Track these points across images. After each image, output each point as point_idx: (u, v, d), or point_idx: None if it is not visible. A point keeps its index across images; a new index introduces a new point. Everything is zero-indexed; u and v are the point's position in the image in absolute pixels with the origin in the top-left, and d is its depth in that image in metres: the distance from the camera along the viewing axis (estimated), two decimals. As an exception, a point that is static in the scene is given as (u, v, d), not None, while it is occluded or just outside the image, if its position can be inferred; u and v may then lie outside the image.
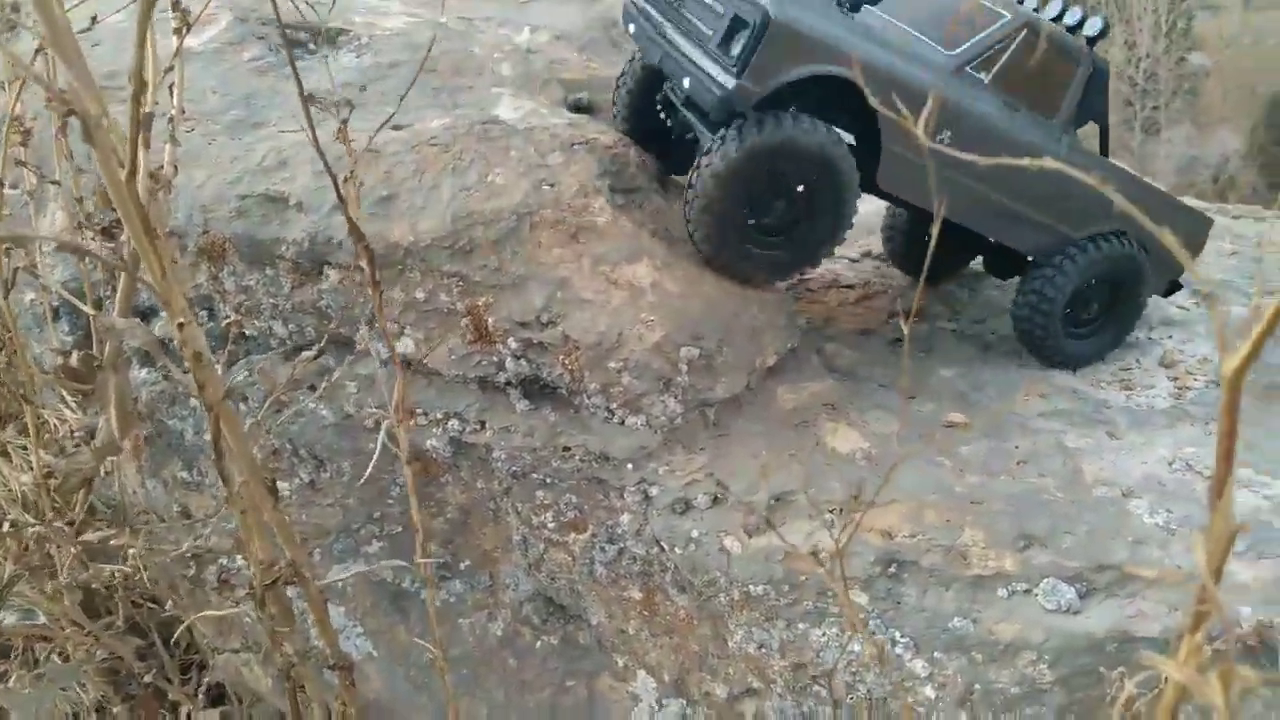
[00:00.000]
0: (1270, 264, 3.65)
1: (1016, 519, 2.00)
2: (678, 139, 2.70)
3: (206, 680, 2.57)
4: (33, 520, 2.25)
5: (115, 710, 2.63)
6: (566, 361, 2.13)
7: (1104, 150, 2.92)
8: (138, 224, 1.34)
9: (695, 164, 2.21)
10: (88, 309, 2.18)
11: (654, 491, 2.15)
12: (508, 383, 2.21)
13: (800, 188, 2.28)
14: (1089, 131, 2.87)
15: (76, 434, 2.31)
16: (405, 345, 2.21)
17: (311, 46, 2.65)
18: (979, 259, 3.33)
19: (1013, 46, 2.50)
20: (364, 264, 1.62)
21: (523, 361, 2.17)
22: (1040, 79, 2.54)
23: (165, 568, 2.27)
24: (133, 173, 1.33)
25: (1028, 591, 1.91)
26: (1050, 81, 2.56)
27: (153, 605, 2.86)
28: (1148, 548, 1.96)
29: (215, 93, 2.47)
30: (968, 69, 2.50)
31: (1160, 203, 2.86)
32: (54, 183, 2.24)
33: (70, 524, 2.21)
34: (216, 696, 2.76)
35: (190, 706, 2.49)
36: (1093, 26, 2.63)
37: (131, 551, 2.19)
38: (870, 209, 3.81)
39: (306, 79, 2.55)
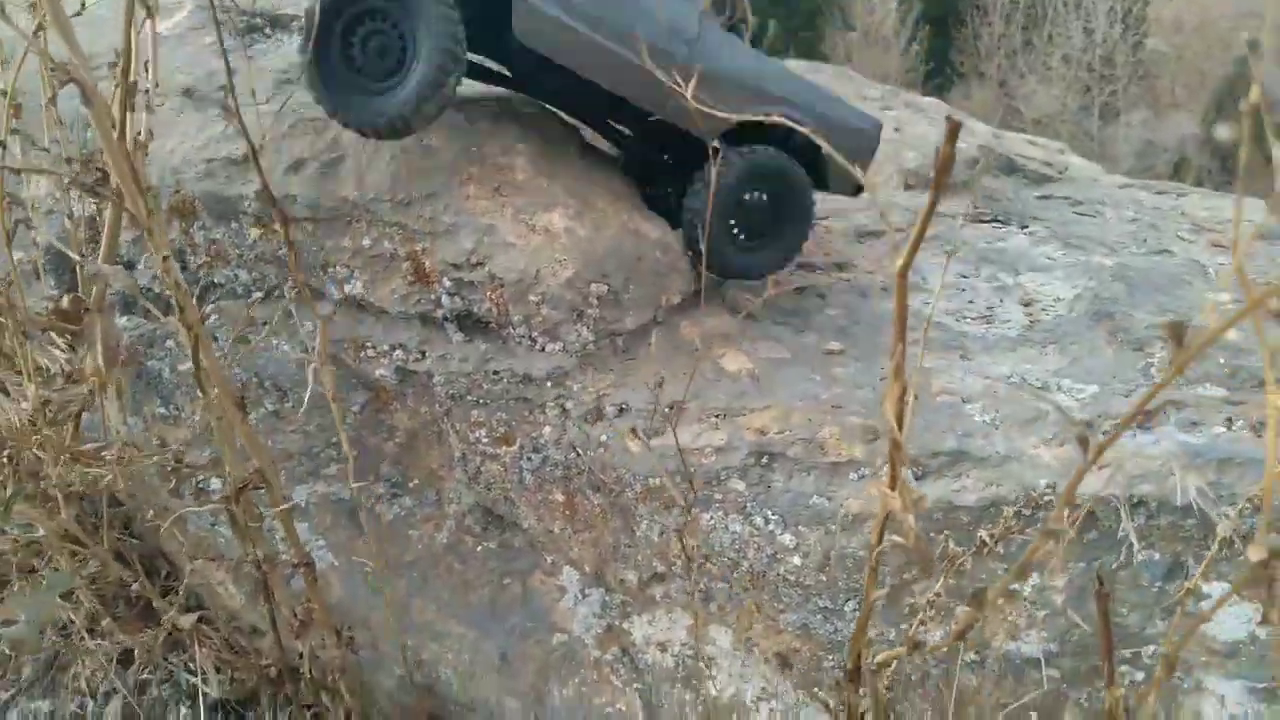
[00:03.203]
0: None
1: (868, 419, 2.40)
2: None
3: (182, 589, 2.90)
4: (27, 441, 2.57)
5: (104, 624, 2.96)
6: (493, 296, 2.50)
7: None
8: (126, 171, 1.69)
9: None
10: (75, 256, 2.52)
11: (570, 405, 2.53)
12: (444, 317, 2.57)
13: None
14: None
15: (65, 371, 2.64)
16: (354, 287, 2.57)
17: (267, 31, 3.00)
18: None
19: None
20: (278, 226, 1.97)
21: (456, 298, 2.54)
22: None
23: (143, 479, 2.60)
24: (122, 131, 1.68)
25: (873, 474, 2.31)
26: None
27: (135, 539, 3.20)
28: (973, 439, 2.37)
29: (181, 72, 2.81)
30: None
31: (827, 104, 2.92)
32: (43, 149, 2.57)
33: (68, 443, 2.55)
34: (194, 608, 3.10)
35: (170, 612, 2.83)
36: None
37: (113, 462, 2.51)
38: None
39: (263, 59, 2.92)
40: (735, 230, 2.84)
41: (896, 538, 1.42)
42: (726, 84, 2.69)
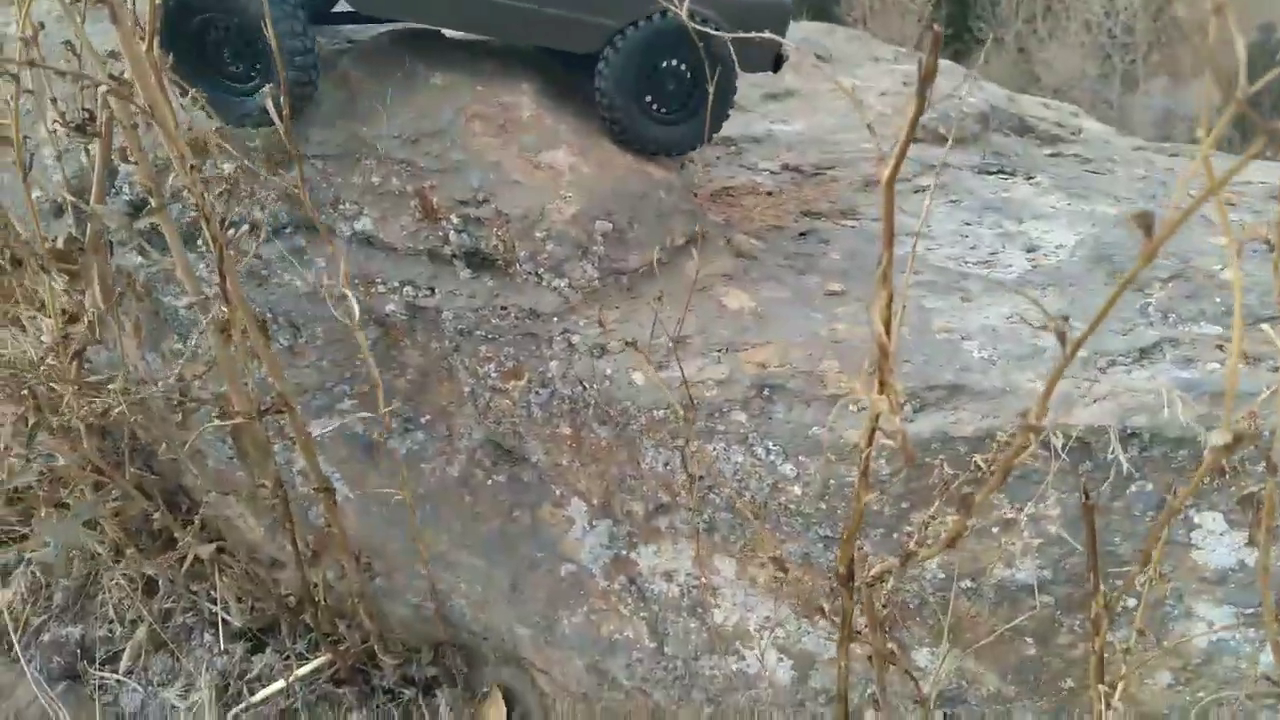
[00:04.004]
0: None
1: (867, 353, 2.45)
2: None
3: (199, 520, 2.99)
4: (40, 373, 2.64)
5: (129, 553, 3.07)
6: (499, 233, 2.56)
7: None
8: (153, 83, 1.75)
9: None
10: (70, 198, 2.59)
11: (576, 340, 2.59)
12: (452, 254, 2.63)
13: None
14: None
15: (66, 310, 2.71)
16: (364, 224, 2.63)
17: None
18: None
19: None
20: (296, 167, 2.02)
21: (464, 234, 2.59)
22: None
23: (156, 413, 2.68)
24: (150, 45, 1.73)
25: (853, 403, 2.37)
26: None
27: (156, 474, 3.30)
28: (971, 373, 2.42)
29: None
30: None
31: None
32: (28, 91, 2.63)
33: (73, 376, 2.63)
34: (213, 540, 3.20)
35: (190, 539, 2.92)
36: None
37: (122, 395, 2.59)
38: (791, 129, 4.24)
39: None
40: (650, 102, 2.80)
41: (886, 440, 1.48)
42: None
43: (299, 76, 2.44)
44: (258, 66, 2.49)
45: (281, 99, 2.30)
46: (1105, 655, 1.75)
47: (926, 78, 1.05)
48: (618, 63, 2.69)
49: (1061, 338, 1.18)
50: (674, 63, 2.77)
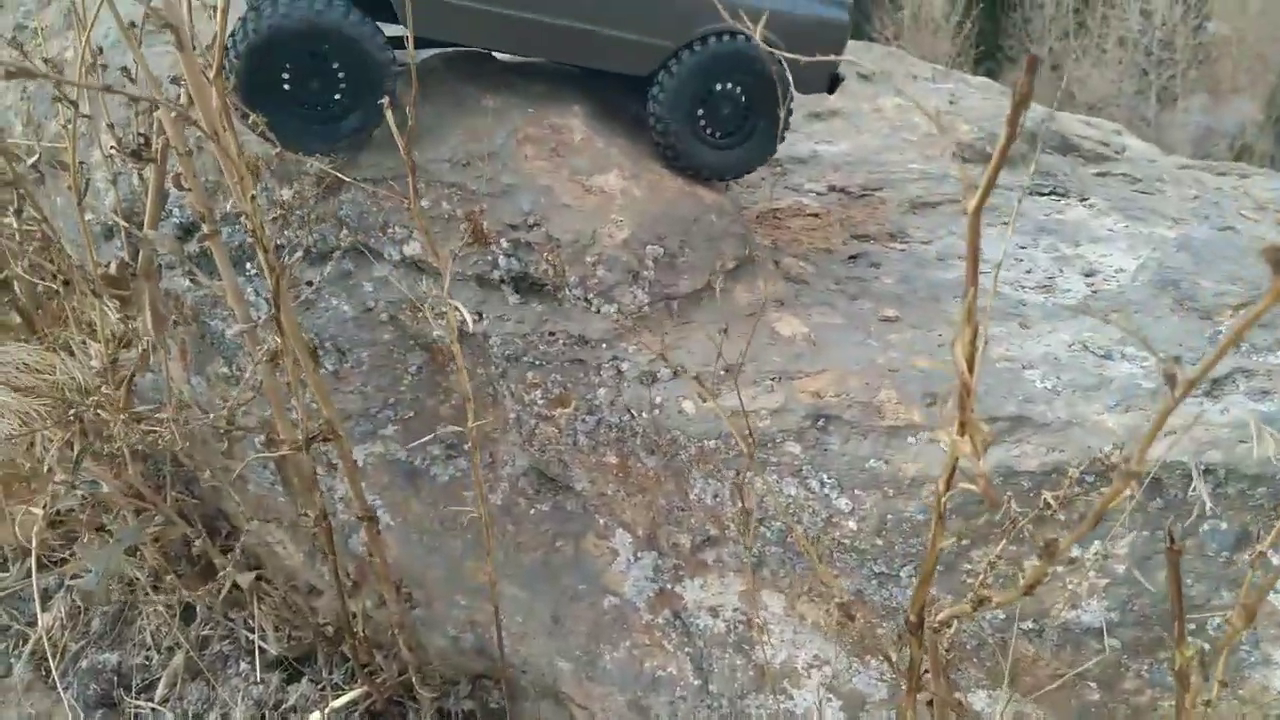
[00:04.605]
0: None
1: (925, 383, 2.37)
2: None
3: (240, 547, 2.97)
4: (90, 402, 2.64)
5: (167, 580, 3.05)
6: (549, 257, 2.51)
7: None
8: (215, 108, 1.72)
9: None
10: (123, 223, 2.58)
11: (625, 367, 2.54)
12: (501, 279, 2.59)
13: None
14: None
15: (117, 335, 2.71)
16: (413, 248, 2.60)
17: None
18: None
19: None
20: (411, 175, 1.99)
21: (513, 259, 2.55)
22: None
23: (201, 439, 2.66)
24: (219, 70, 1.70)
25: (931, 440, 2.29)
26: None
27: (196, 499, 3.29)
28: (1035, 404, 2.33)
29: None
30: None
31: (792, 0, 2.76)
32: (86, 116, 2.63)
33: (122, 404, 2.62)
34: (252, 568, 3.17)
35: (229, 567, 2.90)
36: None
37: (171, 422, 2.58)
38: (837, 150, 4.18)
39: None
40: (705, 126, 2.77)
41: (967, 485, 1.40)
42: (657, 3, 2.58)
43: (390, 95, 2.43)
44: (342, 89, 2.48)
45: (392, 114, 2.32)
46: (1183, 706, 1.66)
47: (1021, 103, 0.99)
48: (672, 86, 2.66)
49: (1171, 380, 1.10)
50: (729, 86, 2.73)
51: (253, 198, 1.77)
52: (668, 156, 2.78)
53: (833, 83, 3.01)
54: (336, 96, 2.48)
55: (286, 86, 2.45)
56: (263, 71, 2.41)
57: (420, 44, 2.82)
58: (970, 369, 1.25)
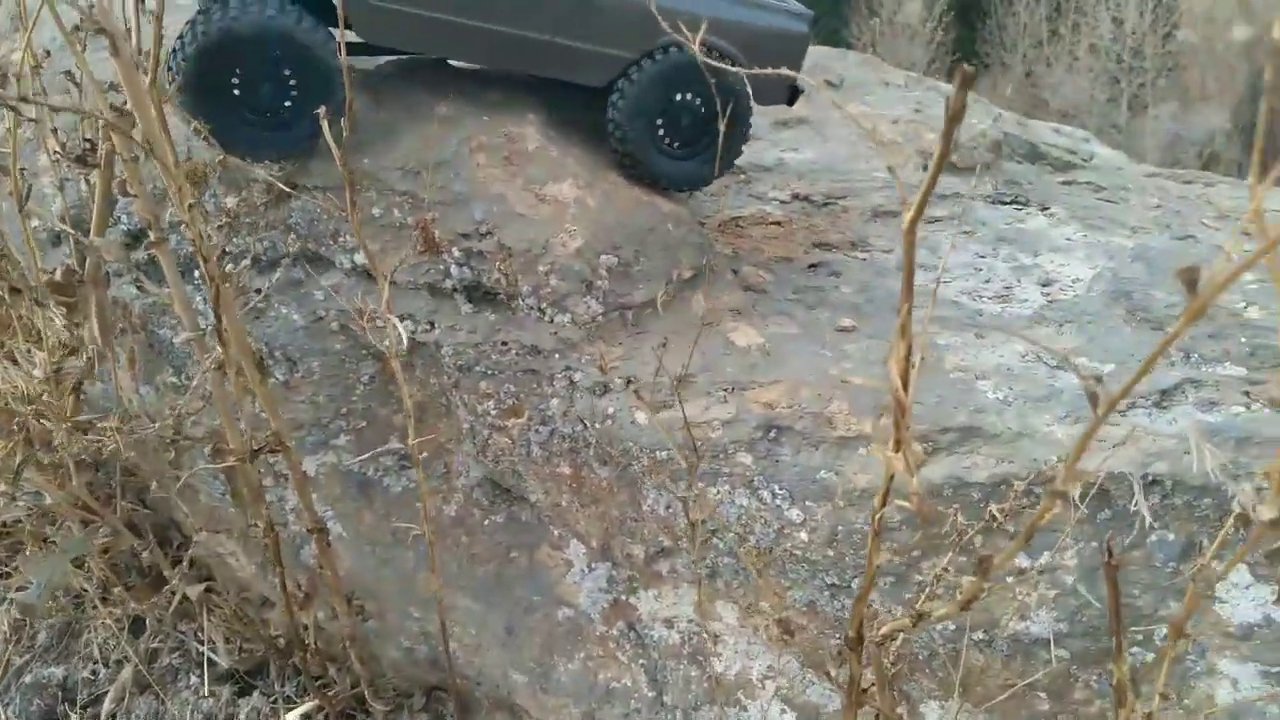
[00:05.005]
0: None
1: (877, 394, 2.37)
2: None
3: (189, 558, 2.92)
4: (29, 410, 2.57)
5: (115, 592, 2.99)
6: (502, 267, 2.49)
7: None
8: (155, 121, 1.69)
9: None
10: (69, 229, 2.53)
11: (578, 377, 2.52)
12: (453, 288, 2.56)
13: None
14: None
15: (64, 342, 2.65)
16: (363, 257, 2.57)
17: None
18: None
19: None
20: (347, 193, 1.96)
21: (465, 268, 2.53)
22: None
23: (150, 449, 2.61)
24: (154, 80, 1.67)
25: (871, 454, 2.28)
26: None
27: (149, 509, 3.23)
28: (986, 415, 2.34)
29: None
30: None
31: (744, 10, 2.75)
32: (32, 120, 2.58)
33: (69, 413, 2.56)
34: (203, 579, 3.12)
35: (178, 579, 2.85)
36: None
37: (117, 432, 2.53)
38: (802, 158, 4.18)
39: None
40: (664, 136, 2.75)
41: (901, 502, 1.39)
42: (615, 13, 2.56)
43: (341, 101, 2.39)
44: (293, 96, 2.44)
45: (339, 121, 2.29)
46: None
47: (954, 119, 0.98)
48: (633, 95, 2.64)
49: (1094, 399, 1.10)
50: (689, 96, 2.72)
51: (191, 207, 1.73)
52: (626, 166, 2.76)
53: (792, 94, 3.00)
54: (287, 103, 2.45)
55: (236, 91, 2.41)
56: (211, 75, 2.37)
57: (379, 51, 2.80)
58: (905, 386, 1.25)
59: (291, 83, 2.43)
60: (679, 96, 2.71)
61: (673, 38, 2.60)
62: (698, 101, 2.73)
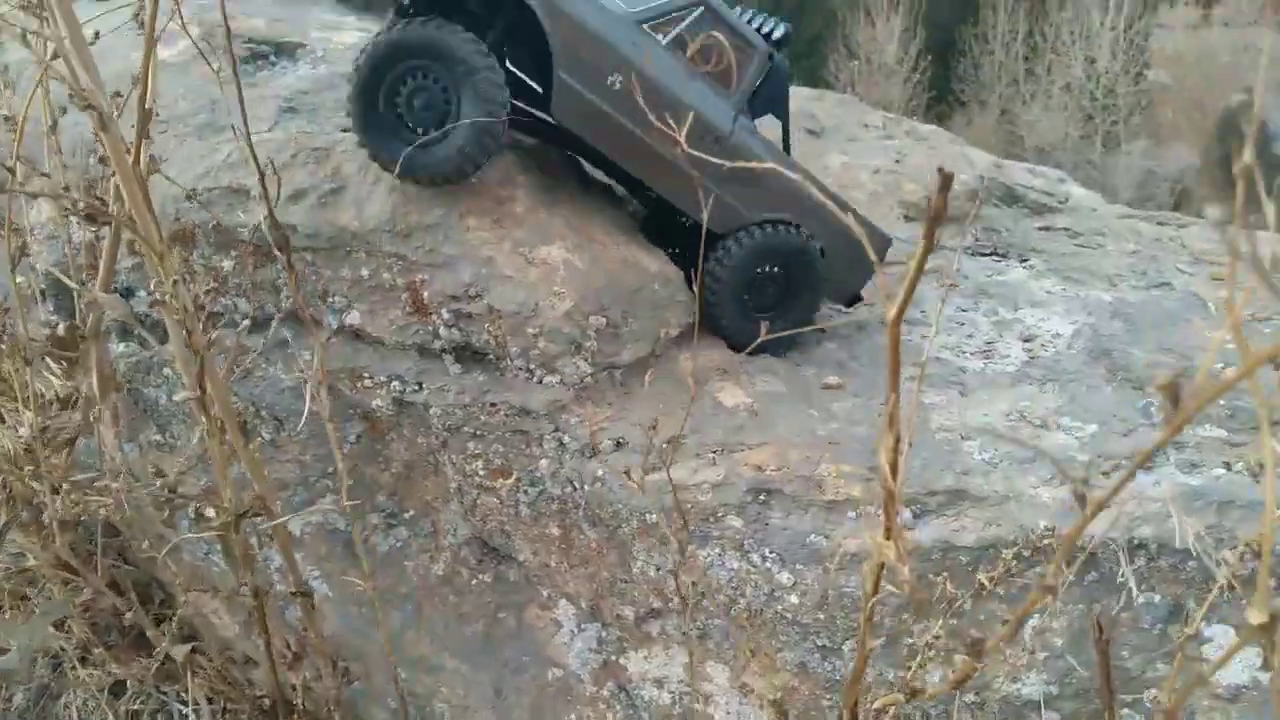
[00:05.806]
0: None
1: (866, 456, 2.39)
2: None
3: (176, 618, 2.87)
4: (21, 470, 2.55)
5: (96, 653, 2.94)
6: (491, 329, 2.50)
7: (785, 147, 3.15)
8: (140, 197, 1.69)
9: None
10: (73, 284, 2.52)
11: (567, 439, 2.52)
12: (442, 349, 2.57)
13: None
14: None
15: (61, 397, 2.63)
16: (353, 317, 2.57)
17: (272, 59, 3.01)
18: None
19: (689, 18, 2.71)
20: (279, 251, 1.98)
21: (454, 330, 2.53)
22: (716, 55, 2.73)
23: (139, 507, 2.58)
24: (137, 157, 1.68)
25: (869, 515, 2.30)
26: (724, 59, 2.75)
27: (131, 567, 3.18)
28: (972, 477, 2.36)
29: (184, 99, 2.82)
30: (645, 27, 2.65)
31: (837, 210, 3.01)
32: (44, 174, 2.58)
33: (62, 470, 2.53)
34: (188, 638, 3.07)
35: (163, 642, 2.80)
36: (777, 30, 2.96)
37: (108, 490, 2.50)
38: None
39: (266, 87, 2.93)
40: (747, 300, 2.92)
41: (891, 587, 1.40)
42: (748, 183, 2.77)
43: (494, 121, 2.42)
44: (448, 114, 2.45)
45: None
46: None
47: (936, 217, 1.00)
48: (739, 255, 2.81)
49: (1081, 500, 1.11)
50: (772, 268, 2.90)
51: (175, 281, 1.73)
52: (716, 324, 2.88)
53: (854, 299, 3.22)
54: (441, 121, 2.45)
55: (390, 109, 2.44)
56: (371, 91, 2.41)
57: (536, 130, 2.81)
58: (894, 474, 1.26)
59: (443, 100, 2.44)
60: (764, 268, 2.91)
61: (779, 217, 2.85)
62: (779, 271, 2.93)
